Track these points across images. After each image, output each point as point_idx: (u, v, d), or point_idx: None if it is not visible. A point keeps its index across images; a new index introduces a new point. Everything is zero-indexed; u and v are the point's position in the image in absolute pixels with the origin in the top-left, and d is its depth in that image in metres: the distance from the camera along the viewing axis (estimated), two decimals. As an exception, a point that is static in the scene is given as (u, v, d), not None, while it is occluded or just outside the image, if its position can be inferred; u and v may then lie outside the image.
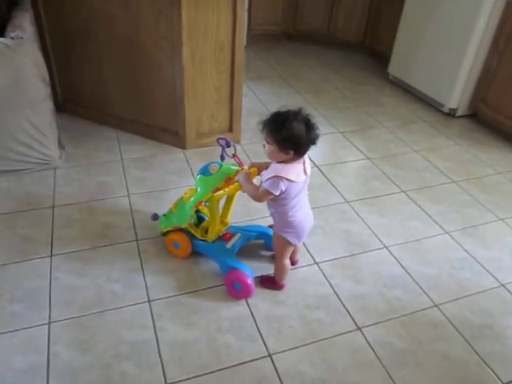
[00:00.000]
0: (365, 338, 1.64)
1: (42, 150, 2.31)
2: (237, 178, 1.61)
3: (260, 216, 2.15)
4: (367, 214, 2.26)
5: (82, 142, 2.65)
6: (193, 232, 1.83)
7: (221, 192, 1.65)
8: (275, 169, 1.48)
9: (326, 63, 4.17)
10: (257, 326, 1.65)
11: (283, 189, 1.47)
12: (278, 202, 1.54)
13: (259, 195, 1.52)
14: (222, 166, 1.72)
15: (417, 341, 1.65)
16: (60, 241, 1.95)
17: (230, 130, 2.73)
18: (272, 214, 1.64)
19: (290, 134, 1.40)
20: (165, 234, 1.90)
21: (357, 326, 1.68)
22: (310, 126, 1.44)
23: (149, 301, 1.71)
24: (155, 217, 1.91)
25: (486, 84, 3.08)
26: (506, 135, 3.05)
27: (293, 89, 3.60)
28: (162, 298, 1.72)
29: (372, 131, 3.06)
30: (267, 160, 1.66)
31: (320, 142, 1.50)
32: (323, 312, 1.73)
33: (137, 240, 1.99)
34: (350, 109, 3.35)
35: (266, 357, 1.55)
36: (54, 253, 1.88)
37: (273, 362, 1.53)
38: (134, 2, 2.29)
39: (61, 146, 2.47)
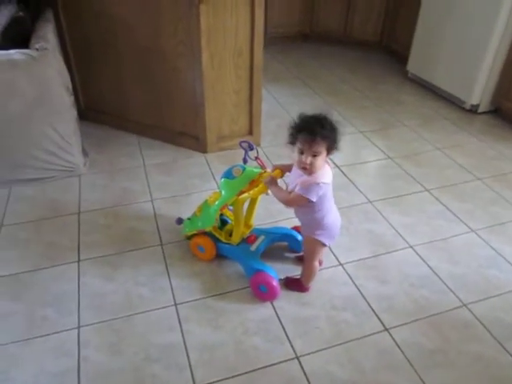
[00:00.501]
0: (392, 338, 1.62)
1: (66, 157, 2.36)
2: (264, 182, 1.61)
3: (283, 218, 2.15)
4: (391, 213, 2.24)
5: (105, 148, 2.70)
6: (217, 235, 1.85)
7: (245, 195, 1.66)
8: (312, 176, 1.46)
9: (343, 63, 4.16)
10: (283, 327, 1.65)
11: (320, 194, 1.47)
12: (312, 208, 1.53)
13: (291, 200, 1.52)
14: (245, 169, 1.73)
15: (446, 341, 1.62)
16: (86, 246, 1.98)
17: (250, 133, 2.74)
18: (302, 219, 1.63)
19: (337, 134, 1.42)
20: (189, 237, 1.92)
21: (384, 326, 1.67)
22: (334, 124, 1.45)
23: (175, 304, 1.73)
24: (180, 221, 1.93)
25: (508, 79, 3.02)
26: (531, 130, 2.99)
27: (311, 90, 3.59)
28: (188, 302, 1.74)
29: (393, 130, 3.03)
30: (288, 162, 1.68)
31: (341, 142, 1.49)
32: (350, 313, 1.72)
33: (161, 244, 2.01)
34: (369, 108, 3.33)
35: (293, 359, 1.54)
36: (81, 258, 1.92)
37: (300, 363, 1.53)
38: (152, 10, 2.32)
39: (84, 153, 2.52)
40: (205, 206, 1.83)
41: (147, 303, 1.73)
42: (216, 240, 1.86)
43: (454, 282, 1.87)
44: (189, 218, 1.91)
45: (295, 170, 1.58)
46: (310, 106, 3.31)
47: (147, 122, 2.77)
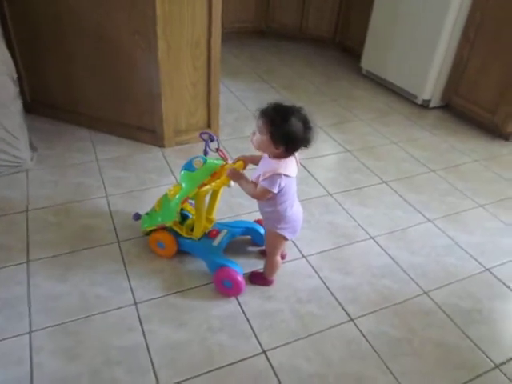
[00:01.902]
0: (358, 328, 1.62)
1: (12, 151, 2.20)
2: (227, 174, 1.56)
3: (244, 212, 2.11)
4: (351, 205, 2.26)
5: (54, 143, 2.54)
6: (178, 230, 1.78)
7: (207, 187, 1.60)
8: (272, 166, 1.44)
9: (299, 59, 4.17)
10: (249, 322, 1.61)
11: (282, 185, 1.44)
12: (274, 200, 1.50)
13: (258, 194, 1.48)
14: (206, 160, 1.67)
15: (410, 329, 1.64)
16: (36, 246, 1.85)
17: (209, 126, 2.68)
18: (264, 212, 1.59)
19: (287, 130, 1.36)
20: (148, 233, 1.83)
21: (349, 317, 1.67)
22: (308, 127, 1.41)
23: (135, 303, 1.64)
24: (137, 216, 1.84)
25: (457, 75, 3.14)
26: (479, 124, 3.11)
27: (268, 84, 3.57)
28: (148, 300, 1.66)
29: (349, 124, 3.07)
30: (246, 155, 1.64)
31: (289, 141, 1.47)
32: (315, 305, 1.70)
33: (118, 241, 1.91)
34: (326, 103, 3.35)
35: (260, 354, 1.51)
36: (30, 258, 1.79)
37: (267, 358, 1.50)
38: (105, -3, 2.21)
39: (32, 147, 2.36)
40: (165, 200, 1.75)
41: (105, 303, 1.63)
42: (177, 235, 1.79)
43: (414, 270, 1.90)
44: (147, 213, 1.83)
45: (262, 160, 1.55)
46: (268, 100, 3.24)
47: (100, 116, 2.63)
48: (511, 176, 2.62)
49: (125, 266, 1.79)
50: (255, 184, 1.51)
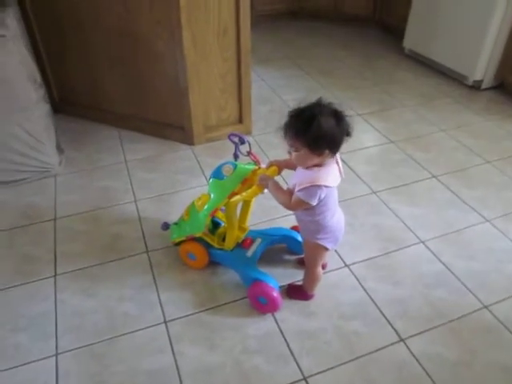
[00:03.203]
0: (410, 350, 1.45)
1: (39, 157, 2.13)
2: (260, 181, 1.41)
3: (280, 215, 1.96)
4: (398, 204, 2.06)
5: (82, 143, 2.46)
6: (209, 240, 1.65)
7: (238, 197, 1.45)
8: (310, 176, 1.27)
9: (335, 41, 3.91)
10: (287, 344, 1.47)
11: (322, 197, 1.28)
12: (313, 211, 1.34)
13: (292, 205, 1.33)
14: (236, 166, 1.52)
15: (470, 350, 1.46)
16: (64, 258, 1.78)
17: (240, 121, 2.52)
18: (302, 221, 1.43)
19: (321, 132, 1.19)
20: (178, 244, 1.72)
21: (399, 336, 1.49)
22: (339, 116, 1.23)
23: (165, 321, 1.54)
24: (166, 226, 1.72)
25: (514, 51, 2.82)
26: (540, 106, 2.80)
27: (303, 71, 3.35)
28: (179, 318, 1.55)
29: (393, 111, 2.82)
30: (280, 159, 1.48)
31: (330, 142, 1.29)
32: (360, 322, 1.54)
33: (147, 251, 1.81)
34: (366, 88, 3.11)
35: (300, 380, 1.37)
36: (58, 272, 1.72)
37: (309, 386, 1.36)
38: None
39: (60, 150, 2.29)
40: (192, 210, 1.62)
41: (133, 322, 1.53)
42: (208, 246, 1.66)
43: (471, 280, 1.70)
44: (176, 223, 1.71)
45: (299, 168, 1.38)
46: (303, 88, 3.09)
47: (127, 113, 2.53)
48: None
49: (154, 279, 1.69)
50: (290, 193, 1.34)
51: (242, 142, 1.57)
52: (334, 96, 2.96)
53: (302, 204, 1.30)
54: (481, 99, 2.98)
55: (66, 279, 1.69)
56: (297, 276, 1.69)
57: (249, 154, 1.57)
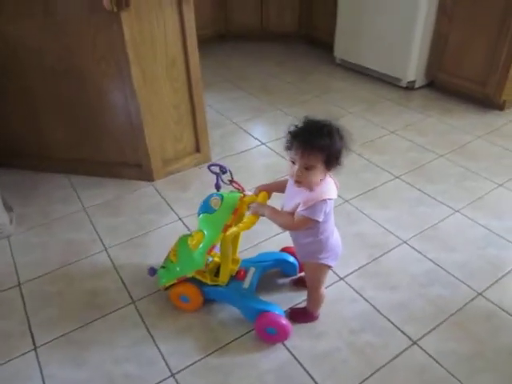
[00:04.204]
0: (425, 351, 1.46)
1: (-14, 219, 1.91)
2: (253, 212, 1.35)
3: (262, 239, 1.91)
4: (372, 209, 2.09)
5: (32, 197, 2.25)
6: (201, 279, 1.55)
7: (234, 229, 1.37)
8: (316, 192, 1.24)
9: (268, 59, 3.97)
10: (307, 371, 1.41)
11: (327, 211, 1.25)
12: (316, 230, 1.31)
13: (296, 225, 1.27)
14: (223, 197, 1.46)
15: (478, 340, 1.49)
16: (40, 326, 1.59)
17: (198, 150, 2.45)
18: (302, 244, 1.39)
19: (340, 147, 1.19)
20: (167, 288, 1.60)
21: (411, 340, 1.50)
22: (341, 133, 1.22)
23: (172, 375, 1.42)
24: (153, 271, 1.61)
25: (440, 50, 3.03)
26: (469, 97, 3.02)
27: (245, 91, 3.36)
28: (186, 367, 1.43)
29: (342, 120, 2.79)
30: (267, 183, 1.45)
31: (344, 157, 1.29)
32: (370, 334, 1.53)
33: (133, 302, 1.67)
34: (310, 101, 3.18)
35: (330, 407, 1.32)
36: (37, 344, 1.53)
37: (339, 410, 1.31)
38: (59, 25, 1.94)
39: (8, 208, 2.07)
40: (182, 248, 1.53)
41: (137, 383, 1.40)
42: (200, 284, 1.57)
43: (459, 271, 1.75)
44: (163, 266, 1.59)
45: (291, 186, 1.34)
46: (250, 108, 3.10)
47: (77, 157, 2.36)
48: (517, 146, 2.53)
49: (148, 331, 1.56)
50: (289, 214, 1.30)
51: (224, 171, 1.51)
52: (284, 113, 3.00)
53: (308, 222, 1.26)
54: (417, 98, 3.17)
55: (48, 350, 1.50)
56: (295, 298, 1.65)
57: (231, 182, 1.52)
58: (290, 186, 1.35)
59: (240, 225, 1.37)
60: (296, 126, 1.24)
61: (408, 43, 3.03)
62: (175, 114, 2.28)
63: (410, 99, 3.15)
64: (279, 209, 1.38)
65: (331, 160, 1.21)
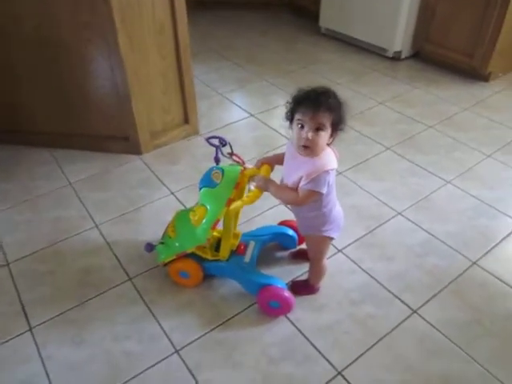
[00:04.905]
0: (425, 320, 1.48)
1: (-34, 196, 1.81)
2: (258, 185, 1.31)
3: (256, 213, 1.88)
4: (365, 181, 2.09)
5: (13, 173, 2.14)
6: (201, 254, 1.52)
7: (238, 203, 1.33)
8: (316, 164, 1.21)
9: (252, 27, 3.86)
10: (311, 343, 1.42)
11: (331, 182, 1.24)
12: (319, 202, 1.28)
13: (302, 199, 1.24)
14: (223, 170, 1.41)
15: (475, 308, 1.53)
16: (34, 306, 1.53)
17: (186, 121, 2.37)
18: (305, 217, 1.37)
19: (344, 112, 1.20)
20: (166, 263, 1.57)
21: (411, 309, 1.52)
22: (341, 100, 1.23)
23: (176, 351, 1.40)
24: (150, 247, 1.56)
25: (427, 21, 3.00)
26: (455, 68, 3.02)
27: (230, 61, 3.26)
28: (190, 343, 1.42)
29: (330, 91, 2.85)
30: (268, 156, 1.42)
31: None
32: (371, 304, 1.54)
33: (130, 279, 1.63)
34: (296, 72, 3.11)
35: (336, 376, 1.33)
36: (32, 324, 1.47)
37: (346, 379, 1.32)
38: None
39: (-12, 184, 1.97)
40: (181, 223, 1.49)
41: (140, 360, 1.37)
42: (200, 260, 1.54)
43: (453, 240, 1.78)
44: (162, 242, 1.55)
45: (290, 159, 1.31)
46: (236, 79, 3.01)
47: (61, 131, 2.25)
48: (502, 118, 2.56)
49: (148, 308, 1.53)
50: (293, 189, 1.28)
51: (224, 143, 1.47)
52: (270, 84, 2.93)
53: (313, 195, 1.23)
54: (403, 69, 3.15)
55: (44, 331, 1.46)
56: (296, 271, 1.65)
57: (231, 155, 1.48)
58: (290, 158, 1.32)
59: (244, 199, 1.33)
60: (298, 93, 1.22)
61: (395, 13, 2.99)
62: (163, 83, 2.19)
63: (397, 70, 3.13)
64: (278, 182, 1.35)
65: (337, 122, 1.20)
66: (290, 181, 1.29)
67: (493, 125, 2.51)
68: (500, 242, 1.78)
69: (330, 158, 1.25)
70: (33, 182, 2.09)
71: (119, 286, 1.61)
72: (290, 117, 1.25)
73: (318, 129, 1.18)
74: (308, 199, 1.25)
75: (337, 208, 1.39)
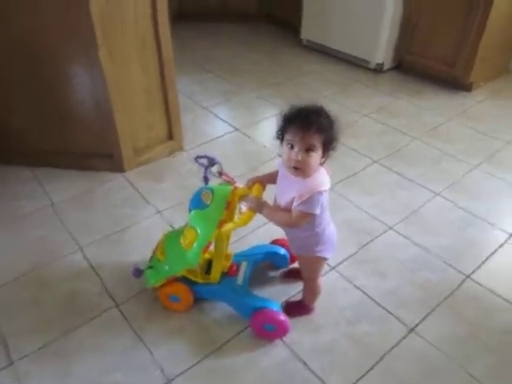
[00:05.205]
0: (422, 338, 1.46)
1: None
2: (250, 207, 1.27)
3: (249, 230, 1.83)
4: (355, 196, 2.07)
5: (-10, 193, 2.06)
6: (191, 277, 1.47)
7: (230, 225, 1.29)
8: (308, 184, 1.18)
9: (231, 40, 3.84)
10: (308, 367, 1.38)
11: (324, 203, 1.20)
12: (313, 223, 1.25)
13: (295, 221, 1.21)
14: (213, 190, 1.37)
15: (471, 323, 1.51)
16: (16, 338, 1.45)
17: (171, 137, 2.32)
18: (297, 238, 1.34)
19: (336, 130, 1.19)
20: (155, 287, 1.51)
21: (407, 327, 1.50)
22: (334, 118, 1.22)
23: (168, 382, 1.34)
24: (138, 272, 1.50)
25: (409, 32, 3.02)
26: (437, 79, 3.05)
27: (212, 73, 3.23)
28: (182, 373, 1.36)
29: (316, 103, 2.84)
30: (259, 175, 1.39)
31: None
32: (367, 323, 1.51)
33: (117, 305, 1.56)
34: (282, 84, 3.09)
35: (336, 401, 1.30)
36: (13, 358, 1.39)
37: (346, 404, 1.29)
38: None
39: (-36, 207, 1.88)
40: (170, 245, 1.44)
41: (131, 392, 1.31)
42: (191, 283, 1.49)
43: (445, 254, 1.78)
44: (150, 266, 1.49)
45: (283, 179, 1.28)
46: (220, 92, 2.98)
47: (40, 148, 2.16)
48: (486, 128, 2.58)
49: (137, 335, 1.46)
50: (286, 211, 1.24)
51: (213, 163, 1.42)
52: (255, 97, 2.90)
53: (306, 216, 1.20)
54: (386, 81, 3.16)
55: (27, 364, 1.38)
56: (289, 291, 1.61)
57: (221, 174, 1.43)
58: (282, 177, 1.29)
59: (236, 221, 1.29)
60: (289, 111, 1.20)
61: (377, 25, 3.01)
62: (146, 99, 2.14)
63: (379, 82, 3.14)
64: (271, 203, 1.32)
65: (329, 142, 1.18)
66: (282, 201, 1.26)
67: (478, 136, 2.53)
68: (492, 254, 1.78)
69: (322, 178, 1.23)
70: (13, 202, 2.00)
71: (106, 312, 1.54)
72: (281, 136, 1.22)
73: (309, 149, 1.15)
74: (301, 221, 1.22)
75: (330, 227, 1.37)
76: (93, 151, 2.17)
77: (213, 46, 3.71)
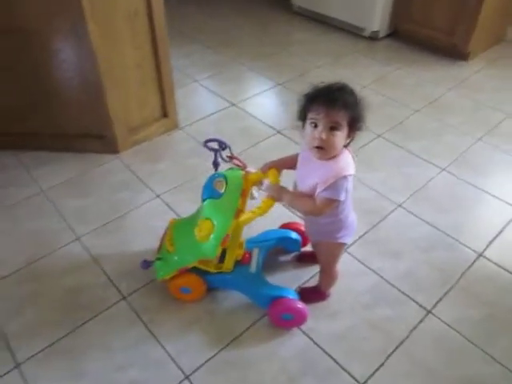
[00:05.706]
0: (441, 320, 1.44)
1: None
2: (271, 195, 1.20)
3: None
4: (361, 173, 1.96)
5: (-27, 181, 1.92)
6: (203, 267, 1.40)
7: (249, 215, 1.21)
8: (333, 168, 1.11)
9: (223, 8, 3.62)
10: (328, 354, 1.34)
11: (349, 188, 1.14)
12: (336, 210, 1.19)
13: (319, 208, 1.14)
14: (226, 177, 1.28)
15: (487, 303, 1.50)
16: (19, 338, 1.37)
17: (165, 114, 2.19)
18: (319, 224, 1.26)
19: (362, 108, 1.10)
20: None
21: (425, 309, 1.47)
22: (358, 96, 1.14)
23: (186, 377, 1.29)
24: (147, 264, 1.42)
25: (404, 0, 2.91)
26: (434, 47, 2.95)
27: (202, 44, 3.06)
28: (200, 366, 1.31)
29: (311, 74, 2.73)
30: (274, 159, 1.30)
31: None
32: (385, 307, 1.48)
33: (124, 297, 1.49)
34: (274, 54, 2.95)
35: (361, 389, 1.27)
36: (19, 360, 1.31)
37: (372, 392, 1.27)
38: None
39: None
40: (181, 237, 1.36)
41: (148, 390, 1.26)
42: (202, 273, 1.42)
43: (456, 231, 1.75)
44: (159, 258, 1.41)
45: (305, 164, 1.21)
46: (211, 64, 2.83)
47: (26, 131, 2.02)
48: (486, 99, 2.53)
49: (148, 329, 1.40)
50: (310, 197, 1.17)
51: (224, 147, 1.33)
52: (248, 68, 2.77)
53: (332, 203, 1.14)
54: (382, 49, 3.06)
55: (34, 365, 1.30)
56: (302, 276, 1.56)
57: (231, 159, 1.35)
58: (305, 161, 1.21)
59: (255, 210, 1.21)
60: (312, 90, 1.12)
61: (374, -10, 2.88)
62: (138, 74, 2.00)
63: (375, 50, 3.03)
64: (290, 188, 1.25)
65: (354, 121, 1.10)
66: (304, 186, 1.19)
67: (479, 106, 2.48)
68: (503, 229, 1.76)
69: (347, 161, 1.15)
70: (1, 189, 1.87)
71: (113, 305, 1.46)
72: (303, 116, 1.14)
73: (333, 128, 1.07)
74: (326, 208, 1.15)
75: (352, 213, 1.31)
76: (84, 132, 2.03)
77: (202, 15, 3.50)
